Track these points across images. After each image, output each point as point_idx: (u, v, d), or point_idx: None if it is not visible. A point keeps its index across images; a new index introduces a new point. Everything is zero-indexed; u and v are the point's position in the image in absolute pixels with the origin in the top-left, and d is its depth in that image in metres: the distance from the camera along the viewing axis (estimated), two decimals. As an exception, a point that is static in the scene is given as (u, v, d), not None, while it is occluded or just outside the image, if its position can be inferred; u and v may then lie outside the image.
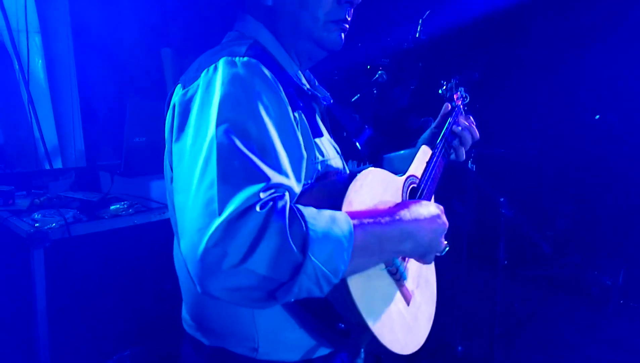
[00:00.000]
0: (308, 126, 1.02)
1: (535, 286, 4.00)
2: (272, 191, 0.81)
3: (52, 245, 1.91)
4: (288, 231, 0.76)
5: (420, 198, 1.21)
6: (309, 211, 0.82)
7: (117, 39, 3.61)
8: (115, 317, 2.10)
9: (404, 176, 1.17)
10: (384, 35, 3.63)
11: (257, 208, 0.77)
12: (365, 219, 0.89)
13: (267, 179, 0.81)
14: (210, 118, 0.86)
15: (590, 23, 3.94)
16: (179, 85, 1.00)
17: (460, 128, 1.44)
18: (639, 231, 4.00)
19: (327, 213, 0.84)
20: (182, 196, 0.86)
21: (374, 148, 1.42)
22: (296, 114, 0.98)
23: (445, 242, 1.07)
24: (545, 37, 4.15)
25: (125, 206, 2.14)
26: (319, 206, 0.86)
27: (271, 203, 0.78)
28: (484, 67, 3.79)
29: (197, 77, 0.94)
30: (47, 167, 3.25)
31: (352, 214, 0.88)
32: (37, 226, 1.91)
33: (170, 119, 0.99)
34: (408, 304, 1.08)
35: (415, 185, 1.22)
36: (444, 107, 1.52)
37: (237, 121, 0.85)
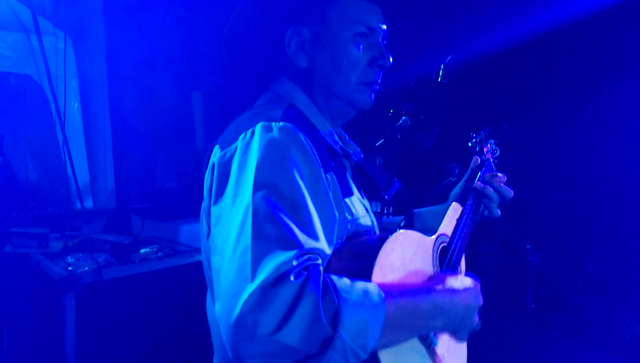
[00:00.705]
0: (339, 187, 1.04)
1: (564, 333, 3.89)
2: (306, 257, 0.83)
3: (84, 288, 1.95)
4: (321, 305, 0.77)
5: (451, 257, 1.20)
6: (341, 283, 0.83)
7: (149, 83, 3.74)
8: (143, 359, 2.12)
9: (435, 236, 1.16)
10: (406, 79, 3.68)
11: (292, 278, 0.78)
12: (398, 293, 0.89)
13: (300, 245, 0.83)
14: (246, 183, 0.89)
15: (619, 67, 3.94)
16: (217, 146, 1.03)
17: (486, 186, 1.39)
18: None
19: (360, 285, 0.85)
20: (219, 259, 0.88)
21: (404, 202, 1.42)
22: (328, 176, 1.00)
23: (478, 321, 1.07)
24: (573, 80, 4.15)
25: (155, 249, 2.19)
26: (350, 268, 0.89)
27: (305, 273, 0.80)
28: (512, 117, 3.81)
29: (235, 139, 0.98)
30: (79, 206, 3.34)
31: (385, 287, 0.88)
32: (70, 270, 1.96)
33: (209, 179, 1.02)
34: None
35: (445, 244, 1.21)
36: (473, 161, 1.50)
37: (272, 186, 0.87)
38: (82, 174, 3.49)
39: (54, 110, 3.42)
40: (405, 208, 1.38)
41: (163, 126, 3.66)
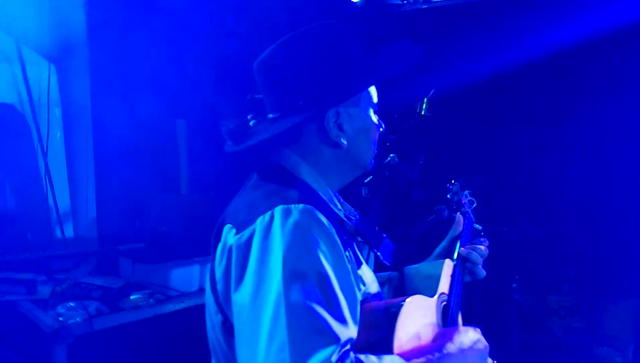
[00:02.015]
0: (354, 260, 1.07)
1: (550, 358, 3.97)
2: (341, 350, 0.84)
3: (75, 339, 1.93)
4: None
5: (452, 314, 1.28)
6: (370, 362, 0.88)
7: (134, 111, 3.71)
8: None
9: (436, 297, 1.24)
10: (390, 112, 3.74)
11: None
12: (418, 361, 0.96)
13: (337, 339, 0.84)
14: (273, 271, 0.89)
15: (594, 101, 4.08)
16: (228, 225, 1.03)
17: (466, 251, 1.43)
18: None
19: (387, 361, 0.91)
20: (249, 353, 0.88)
21: (395, 258, 1.46)
22: (347, 253, 1.02)
23: (493, 362, 1.16)
24: (550, 117, 4.29)
25: (146, 295, 2.17)
26: (369, 338, 0.96)
27: None
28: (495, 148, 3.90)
29: (251, 221, 0.97)
30: (59, 234, 3.29)
31: (407, 356, 0.96)
32: (61, 321, 1.94)
33: (224, 261, 1.01)
34: None
35: (445, 302, 1.29)
36: (456, 219, 1.55)
37: (301, 275, 0.88)
38: (64, 202, 3.45)
39: (36, 139, 3.37)
40: (395, 263, 1.41)
41: (148, 156, 3.62)
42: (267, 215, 0.96)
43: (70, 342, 1.91)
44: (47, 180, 3.37)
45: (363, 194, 3.83)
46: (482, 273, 1.46)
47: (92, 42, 3.55)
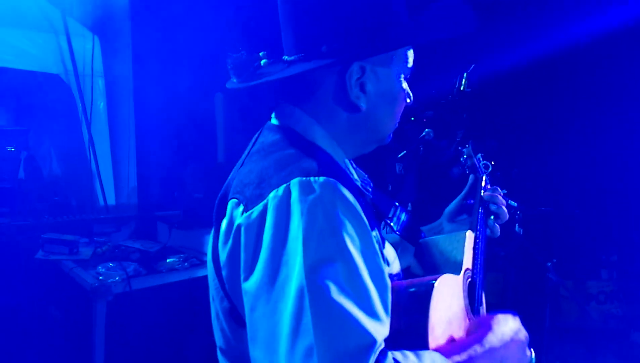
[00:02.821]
0: (381, 241, 0.95)
1: (581, 343, 3.90)
2: (378, 352, 0.73)
3: (114, 297, 2.01)
4: None
5: (478, 290, 1.19)
6: None
7: (174, 83, 3.78)
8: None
9: (462, 273, 1.15)
10: (428, 87, 3.68)
11: None
12: (460, 359, 0.86)
13: (374, 340, 0.73)
14: (292, 259, 0.75)
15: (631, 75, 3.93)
16: (234, 200, 0.88)
17: (496, 206, 1.34)
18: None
19: (427, 360, 0.80)
20: (266, 355, 0.76)
21: (409, 227, 1.34)
22: (375, 233, 0.89)
23: (531, 351, 1.06)
24: (593, 96, 4.14)
25: (181, 259, 2.24)
26: (401, 324, 0.85)
27: None
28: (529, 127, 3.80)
29: (262, 196, 0.82)
30: (102, 202, 3.41)
31: (447, 353, 0.85)
32: (101, 279, 2.02)
33: (231, 242, 0.86)
34: None
35: (470, 279, 1.20)
36: (469, 180, 1.45)
37: (326, 263, 0.74)
38: (106, 171, 3.56)
39: (80, 109, 3.48)
40: (411, 235, 1.28)
41: (186, 127, 3.70)
42: (282, 189, 0.80)
43: (109, 299, 1.99)
44: (90, 149, 3.48)
45: (397, 170, 3.80)
46: (506, 215, 1.35)
47: (134, 14, 3.62)
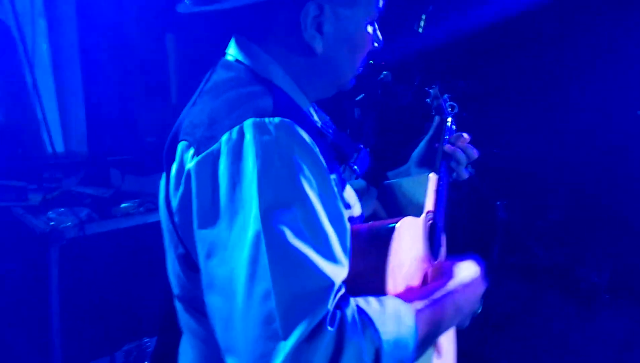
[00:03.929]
0: (340, 183, 0.91)
1: (527, 280, 4.13)
2: (337, 294, 0.72)
3: (67, 242, 1.97)
4: (364, 349, 0.71)
5: (438, 232, 1.19)
6: (373, 312, 0.76)
7: (121, 23, 3.60)
8: (125, 311, 2.18)
9: (423, 215, 1.15)
10: (388, 32, 3.65)
11: (328, 326, 0.68)
12: (423, 305, 0.86)
13: (332, 282, 0.72)
14: (247, 204, 0.73)
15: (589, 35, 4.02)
16: (184, 142, 0.83)
17: (455, 149, 1.31)
18: (627, 230, 4.12)
19: (390, 307, 0.79)
20: (224, 303, 0.74)
21: (372, 170, 1.35)
22: (334, 176, 0.86)
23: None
24: (551, 45, 4.22)
25: (136, 204, 2.20)
26: (359, 268, 0.83)
27: (339, 314, 0.70)
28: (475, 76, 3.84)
29: (214, 139, 0.78)
30: (50, 149, 3.29)
31: (407, 298, 0.85)
32: (52, 225, 1.97)
33: (182, 187, 0.82)
34: (440, 354, 1.12)
35: (432, 221, 1.21)
36: (435, 121, 1.42)
37: (282, 207, 0.72)
38: (53, 117, 3.42)
39: (22, 51, 3.29)
40: (374, 177, 1.30)
41: (137, 68, 3.56)
42: (235, 131, 0.77)
43: (62, 245, 1.95)
44: (35, 94, 3.32)
45: (355, 115, 3.80)
46: (465, 174, 1.34)
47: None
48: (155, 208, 2.27)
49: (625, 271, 3.94)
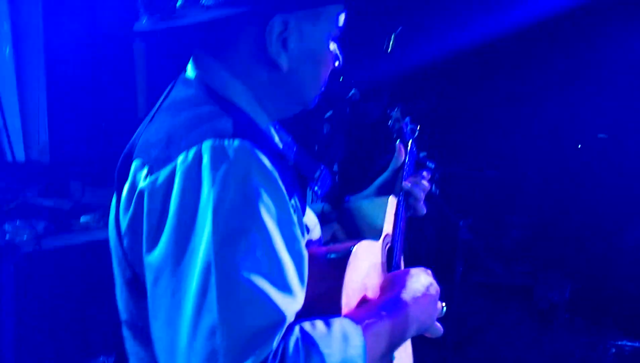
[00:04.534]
0: (300, 208, 0.90)
1: (489, 298, 4.20)
2: (285, 327, 0.70)
3: (22, 257, 1.91)
4: None
5: (396, 257, 1.19)
6: (319, 335, 0.74)
7: (89, 29, 3.54)
8: (82, 329, 2.12)
9: (381, 239, 1.16)
10: (358, 49, 3.70)
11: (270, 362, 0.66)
12: (372, 322, 0.84)
13: (283, 317, 0.70)
14: (200, 230, 0.70)
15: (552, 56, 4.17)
16: (138, 160, 0.80)
17: (409, 185, 1.32)
18: (586, 250, 4.25)
19: (337, 329, 0.77)
20: (169, 334, 0.72)
21: (333, 191, 1.34)
22: (293, 201, 0.84)
23: (442, 304, 1.06)
24: (512, 66, 4.35)
25: (97, 217, 2.14)
26: (315, 292, 0.81)
27: (282, 346, 0.68)
28: (438, 96, 3.93)
29: (169, 159, 0.76)
30: (9, 157, 3.18)
31: (358, 318, 0.83)
32: (7, 239, 1.90)
33: (133, 207, 0.79)
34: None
35: (389, 244, 1.20)
36: (396, 149, 1.41)
37: (237, 235, 0.70)
38: (14, 125, 3.32)
39: (-18, 55, 3.20)
40: (333, 197, 1.28)
41: (104, 77, 3.49)
42: (192, 153, 0.74)
43: (17, 259, 1.89)
44: (-4, 99, 3.22)
45: (325, 131, 3.83)
46: (423, 210, 1.36)
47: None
48: (116, 222, 2.22)
49: (584, 291, 4.05)
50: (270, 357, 0.66)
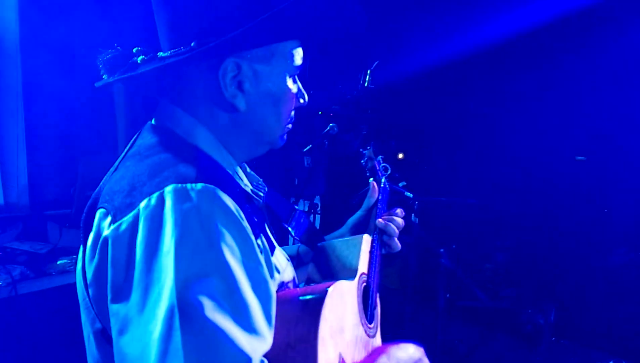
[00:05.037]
0: (268, 248, 0.90)
1: (475, 322, 4.19)
2: None
3: (-2, 303, 1.88)
4: None
5: (372, 295, 1.19)
6: None
7: (67, 73, 3.56)
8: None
9: (357, 278, 1.15)
10: (335, 82, 3.78)
11: None
12: None
13: (248, 358, 0.69)
14: (163, 276, 0.70)
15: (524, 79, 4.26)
16: (102, 210, 0.80)
17: (383, 223, 1.32)
18: (570, 270, 4.28)
19: None
20: None
21: (309, 234, 1.35)
22: (259, 242, 0.85)
23: None
24: (486, 93, 4.45)
25: (74, 260, 2.13)
26: (290, 336, 0.82)
27: None
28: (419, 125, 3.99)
29: (132, 205, 0.76)
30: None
31: None
32: (-18, 285, 1.88)
33: (96, 260, 0.79)
34: None
35: (365, 283, 1.20)
36: (370, 187, 1.44)
37: (201, 278, 0.70)
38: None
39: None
40: (310, 239, 1.29)
41: (83, 120, 3.50)
42: (154, 198, 0.74)
43: (-8, 306, 1.86)
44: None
45: (305, 164, 3.86)
46: (398, 246, 1.36)
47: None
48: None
49: (570, 313, 4.06)
50: None
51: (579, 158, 4.48)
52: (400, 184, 3.33)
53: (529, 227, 4.55)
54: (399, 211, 1.37)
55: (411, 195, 2.85)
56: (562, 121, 4.34)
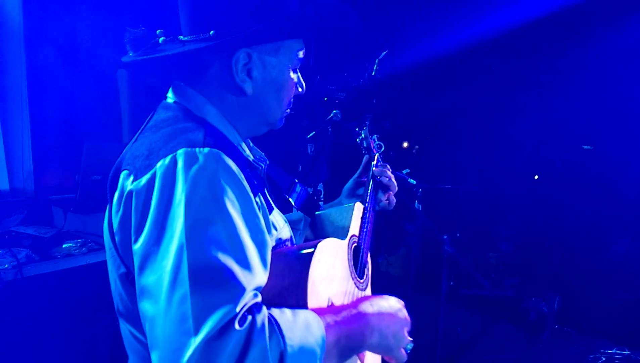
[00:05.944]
0: (265, 206, 1.03)
1: (478, 310, 4.20)
2: (249, 298, 0.81)
3: (4, 286, 1.90)
4: (268, 351, 0.78)
5: (362, 254, 1.31)
6: (284, 320, 0.85)
7: (72, 59, 3.56)
8: (65, 356, 2.10)
9: (347, 238, 1.28)
10: (342, 70, 3.76)
11: (236, 326, 0.76)
12: (333, 319, 0.94)
13: (242, 288, 0.81)
14: (175, 221, 0.83)
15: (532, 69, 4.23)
16: (125, 171, 0.95)
17: (387, 179, 1.50)
18: (574, 259, 4.27)
19: (301, 319, 0.87)
20: (151, 307, 0.83)
21: (308, 202, 1.47)
22: (257, 199, 0.97)
23: (410, 338, 1.11)
24: (491, 81, 4.42)
25: (78, 244, 2.14)
26: (283, 283, 0.95)
27: (250, 318, 0.79)
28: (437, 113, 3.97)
29: (150, 166, 0.90)
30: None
31: (321, 312, 0.93)
32: (-12, 268, 1.90)
33: (122, 209, 0.92)
34: None
35: (356, 244, 1.32)
36: (364, 159, 1.61)
37: (205, 223, 0.83)
38: (-2, 153, 3.31)
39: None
40: (308, 208, 1.43)
41: (88, 106, 3.51)
42: (168, 159, 0.88)
43: (-2, 288, 1.88)
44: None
45: (309, 151, 3.86)
46: (393, 200, 1.53)
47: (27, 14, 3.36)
48: (98, 248, 2.22)
49: (573, 301, 4.06)
50: (237, 320, 0.77)
51: (586, 146, 4.46)
52: (404, 172, 3.32)
53: (534, 216, 4.55)
54: (388, 166, 1.55)
55: (415, 182, 2.86)
56: (569, 110, 4.32)
